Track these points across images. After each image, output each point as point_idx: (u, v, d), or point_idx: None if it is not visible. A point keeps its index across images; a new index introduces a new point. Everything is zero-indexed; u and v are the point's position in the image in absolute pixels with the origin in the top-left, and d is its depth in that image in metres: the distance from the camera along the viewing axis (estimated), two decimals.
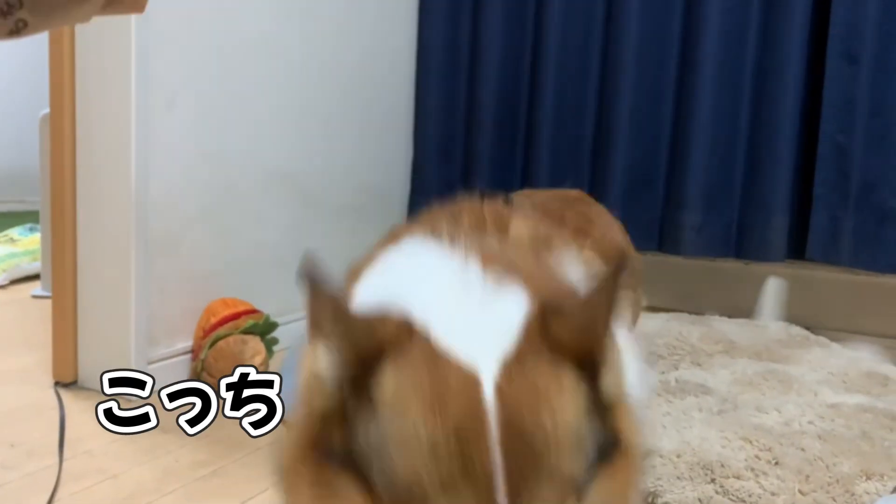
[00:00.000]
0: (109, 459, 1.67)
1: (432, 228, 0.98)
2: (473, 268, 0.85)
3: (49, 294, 2.42)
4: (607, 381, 0.79)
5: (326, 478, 0.78)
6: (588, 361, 0.77)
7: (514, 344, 0.76)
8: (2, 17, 0.52)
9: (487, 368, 0.74)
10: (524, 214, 1.08)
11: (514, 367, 0.74)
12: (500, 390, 0.72)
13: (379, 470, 0.72)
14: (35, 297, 3.24)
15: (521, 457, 0.70)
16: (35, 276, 3.52)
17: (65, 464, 1.62)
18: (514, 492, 0.70)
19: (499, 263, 0.87)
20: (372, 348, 0.72)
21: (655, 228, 2.88)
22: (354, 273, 1.02)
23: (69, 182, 2.13)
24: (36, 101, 3.48)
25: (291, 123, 2.62)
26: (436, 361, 0.74)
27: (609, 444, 0.80)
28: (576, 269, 1.04)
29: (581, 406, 0.76)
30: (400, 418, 0.72)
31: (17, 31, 0.55)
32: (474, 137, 3.22)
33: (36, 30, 0.59)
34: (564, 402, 0.75)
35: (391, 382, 0.73)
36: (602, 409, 0.79)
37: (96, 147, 2.09)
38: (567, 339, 0.77)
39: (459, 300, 0.81)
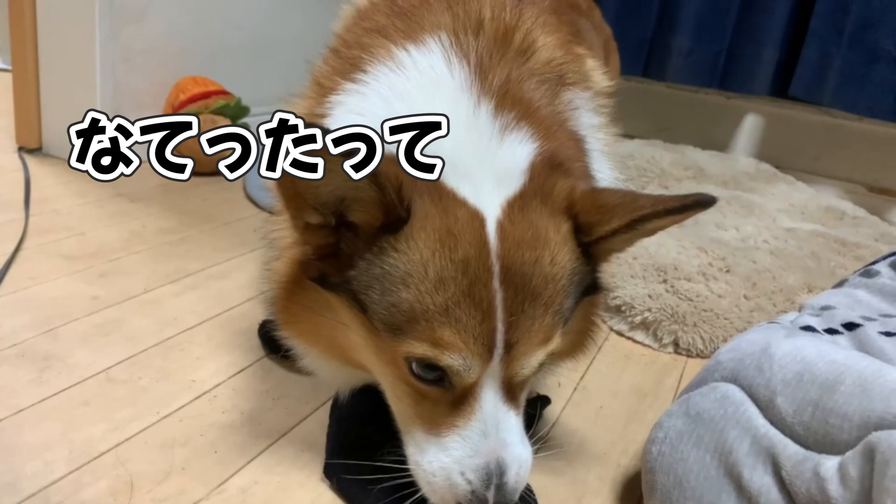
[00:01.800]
0: (76, 219, 1.68)
1: (444, 43, 0.89)
2: (485, 109, 0.83)
3: (8, 67, 2.32)
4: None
5: (322, 298, 0.83)
6: (589, 227, 0.80)
7: (518, 189, 0.79)
8: None
9: (492, 208, 0.77)
10: (548, 28, 1.01)
11: (516, 210, 0.77)
12: (503, 229, 0.76)
13: (379, 299, 0.76)
14: None
15: (520, 289, 0.75)
16: None
17: (31, 219, 1.63)
18: (511, 320, 0.75)
19: (512, 105, 0.85)
20: (378, 188, 0.71)
21: (643, 51, 2.80)
22: (327, 82, 0.95)
23: None
24: None
25: None
26: (443, 201, 0.76)
27: (592, 284, 0.86)
28: (587, 114, 1.02)
29: (574, 253, 0.80)
30: (408, 253, 0.74)
31: None
32: None
33: None
34: (560, 246, 0.79)
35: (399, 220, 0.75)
36: (592, 259, 0.84)
37: None
38: (577, 203, 0.79)
39: (468, 142, 0.81)
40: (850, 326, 1.01)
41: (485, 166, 0.79)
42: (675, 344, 1.45)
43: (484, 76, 0.86)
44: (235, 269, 1.55)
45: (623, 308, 1.51)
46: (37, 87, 2.07)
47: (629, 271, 1.59)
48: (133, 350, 1.20)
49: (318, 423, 1.08)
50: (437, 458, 0.79)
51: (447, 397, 0.78)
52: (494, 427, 0.78)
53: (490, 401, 0.77)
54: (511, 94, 0.86)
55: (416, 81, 0.86)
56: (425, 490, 0.82)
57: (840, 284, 1.27)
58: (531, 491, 0.97)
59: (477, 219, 0.76)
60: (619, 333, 1.51)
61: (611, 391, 1.29)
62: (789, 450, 0.75)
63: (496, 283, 0.74)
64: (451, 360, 0.74)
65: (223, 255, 1.60)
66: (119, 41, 1.99)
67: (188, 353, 1.22)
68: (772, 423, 0.79)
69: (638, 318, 1.49)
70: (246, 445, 1.02)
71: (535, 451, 0.84)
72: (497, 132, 0.82)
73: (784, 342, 0.89)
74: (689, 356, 1.45)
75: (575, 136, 0.96)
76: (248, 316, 1.35)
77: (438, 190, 0.76)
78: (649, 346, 1.47)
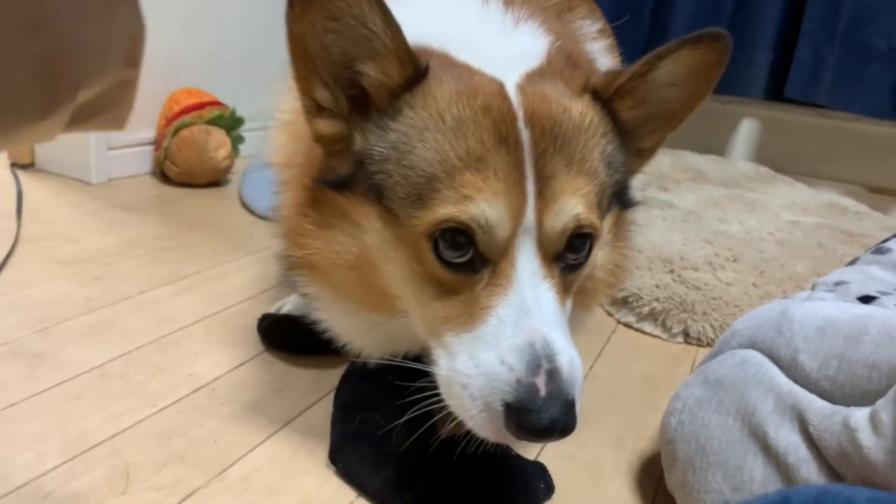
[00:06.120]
0: (70, 228, 1.65)
1: None
2: (494, 5, 0.83)
3: None
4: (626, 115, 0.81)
5: (334, 210, 0.77)
6: (608, 86, 0.78)
7: (536, 67, 0.77)
8: None
9: (510, 77, 0.74)
10: None
11: (536, 78, 0.75)
12: (523, 89, 0.73)
13: (395, 169, 0.71)
14: None
15: (548, 131, 0.70)
16: None
17: (24, 228, 1.59)
18: (541, 155, 0.69)
19: (521, 5, 0.85)
20: (392, 34, 0.69)
21: (637, 57, 2.80)
22: None
23: None
24: None
25: None
26: (457, 67, 0.74)
27: (624, 193, 0.82)
28: (598, 44, 1.02)
29: (603, 117, 0.77)
30: (425, 108, 0.71)
31: None
32: None
33: None
34: (586, 106, 0.75)
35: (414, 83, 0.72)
36: (623, 139, 0.80)
37: None
38: (595, 83, 0.78)
39: (479, 32, 0.80)
40: (866, 300, 0.98)
41: (500, 49, 0.78)
42: (685, 333, 1.42)
43: None
44: (233, 272, 1.51)
45: (630, 299, 1.48)
46: None
47: (634, 263, 1.56)
48: (128, 347, 1.16)
49: (322, 413, 1.03)
50: (472, 356, 0.66)
51: (478, 284, 0.68)
52: (535, 303, 0.66)
53: (527, 269, 0.67)
54: (518, 1, 0.86)
55: None
56: (461, 412, 0.68)
57: (852, 263, 1.24)
58: (547, 473, 0.93)
59: (495, 80, 0.73)
60: (628, 325, 1.47)
61: (622, 379, 1.26)
62: (816, 405, 0.72)
63: (521, 125, 0.69)
64: (478, 209, 0.65)
65: (220, 259, 1.57)
66: None
67: (185, 349, 1.18)
68: (795, 381, 0.76)
69: (646, 309, 1.46)
70: (247, 435, 0.98)
71: None
72: (510, 22, 0.82)
73: (802, 305, 0.86)
74: (699, 345, 1.41)
75: (589, 58, 0.95)
76: (248, 314, 1.31)
77: (451, 61, 0.75)
78: (658, 337, 1.43)
